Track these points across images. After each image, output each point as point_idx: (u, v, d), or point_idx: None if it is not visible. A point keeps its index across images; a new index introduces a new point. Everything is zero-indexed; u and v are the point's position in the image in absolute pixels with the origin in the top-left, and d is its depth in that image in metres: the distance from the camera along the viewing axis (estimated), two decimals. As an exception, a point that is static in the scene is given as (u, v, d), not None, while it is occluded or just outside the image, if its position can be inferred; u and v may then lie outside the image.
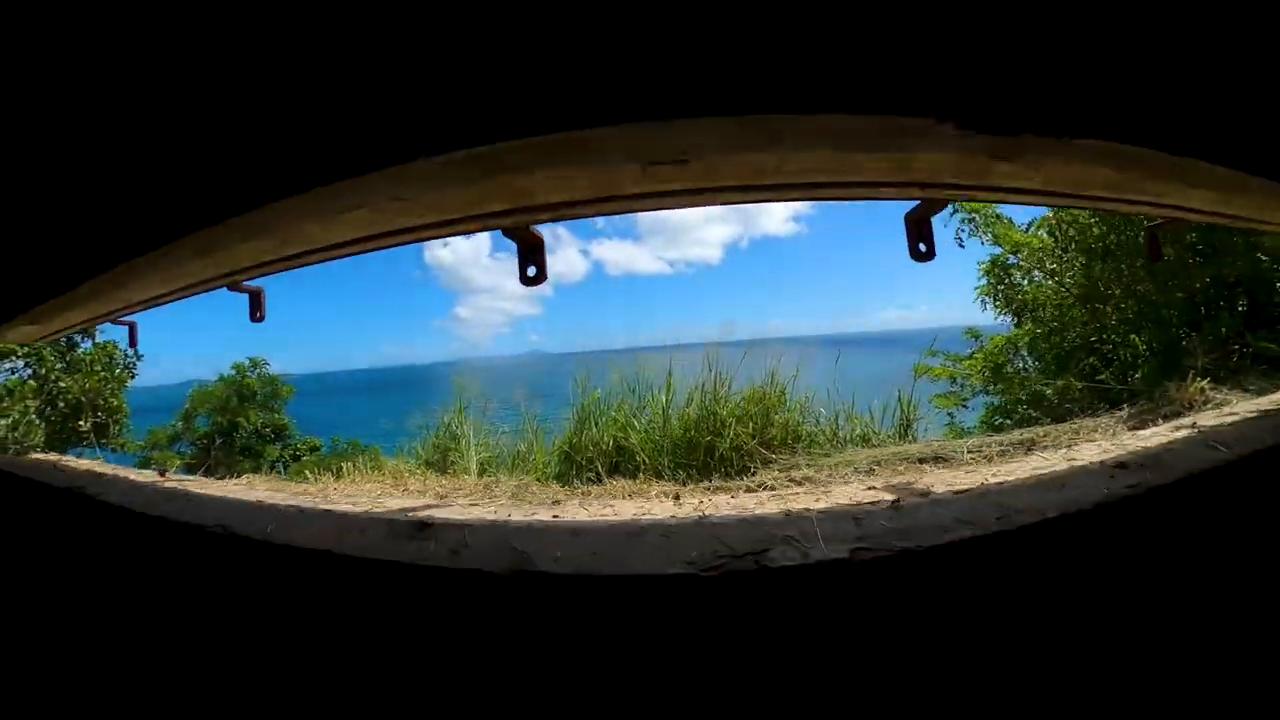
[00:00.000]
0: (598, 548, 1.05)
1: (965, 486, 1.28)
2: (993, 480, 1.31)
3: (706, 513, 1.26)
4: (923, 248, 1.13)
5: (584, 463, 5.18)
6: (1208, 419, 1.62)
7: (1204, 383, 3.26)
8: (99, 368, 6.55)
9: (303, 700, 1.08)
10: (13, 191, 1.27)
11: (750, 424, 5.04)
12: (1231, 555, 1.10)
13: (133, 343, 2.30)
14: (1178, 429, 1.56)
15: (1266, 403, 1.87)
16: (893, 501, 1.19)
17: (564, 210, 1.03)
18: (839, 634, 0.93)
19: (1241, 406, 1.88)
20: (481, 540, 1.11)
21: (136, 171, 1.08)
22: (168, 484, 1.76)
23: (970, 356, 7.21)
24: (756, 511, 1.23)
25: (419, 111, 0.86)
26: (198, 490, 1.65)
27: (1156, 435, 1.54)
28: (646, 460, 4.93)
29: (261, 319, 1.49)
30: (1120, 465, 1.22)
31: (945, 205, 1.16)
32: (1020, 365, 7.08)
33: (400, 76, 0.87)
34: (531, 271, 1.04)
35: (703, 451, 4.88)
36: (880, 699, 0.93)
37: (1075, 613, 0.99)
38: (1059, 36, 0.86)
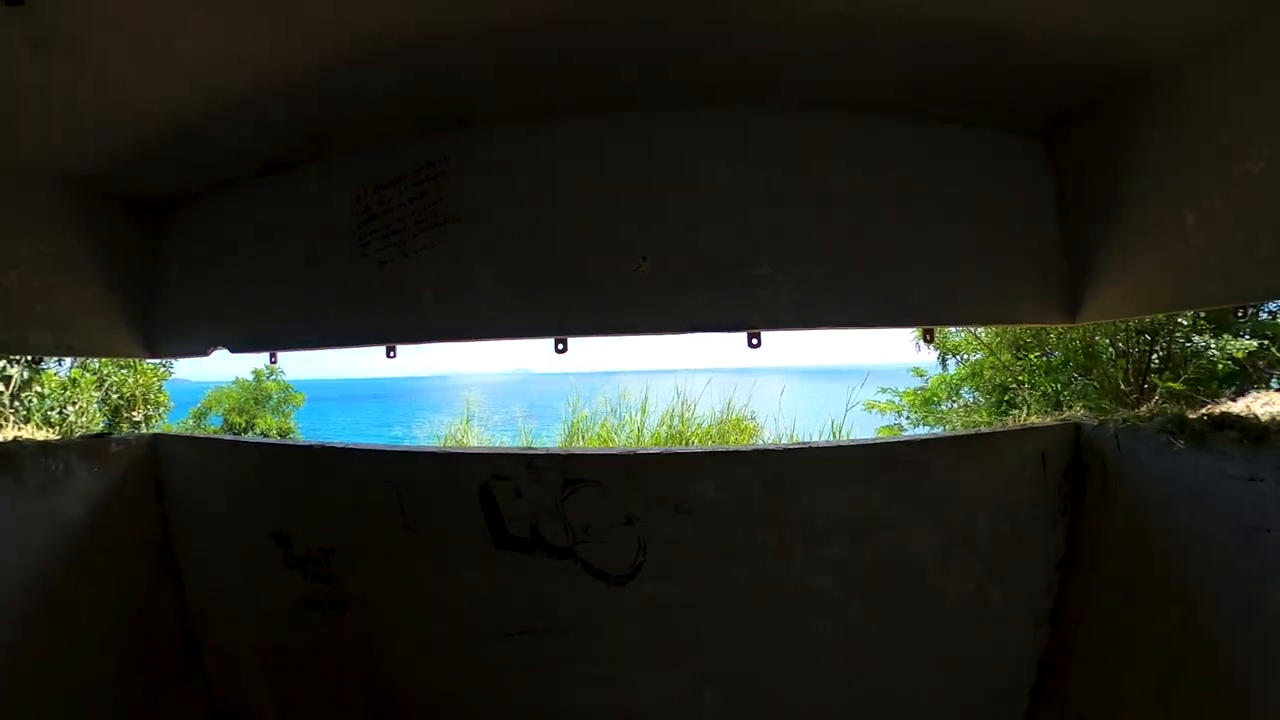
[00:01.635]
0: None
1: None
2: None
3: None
4: (754, 342, 2.22)
5: (571, 469, 6.21)
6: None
7: (1034, 417, 4.44)
8: (147, 365, 7.42)
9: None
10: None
11: (709, 443, 6.14)
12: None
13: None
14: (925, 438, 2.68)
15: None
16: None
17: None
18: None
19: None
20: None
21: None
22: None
23: (916, 392, 8.44)
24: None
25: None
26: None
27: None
28: (622, 469, 5.99)
29: (394, 356, 2.55)
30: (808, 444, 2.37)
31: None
32: (967, 401, 8.30)
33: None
34: (560, 348, 2.13)
35: (668, 463, 5.96)
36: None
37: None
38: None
